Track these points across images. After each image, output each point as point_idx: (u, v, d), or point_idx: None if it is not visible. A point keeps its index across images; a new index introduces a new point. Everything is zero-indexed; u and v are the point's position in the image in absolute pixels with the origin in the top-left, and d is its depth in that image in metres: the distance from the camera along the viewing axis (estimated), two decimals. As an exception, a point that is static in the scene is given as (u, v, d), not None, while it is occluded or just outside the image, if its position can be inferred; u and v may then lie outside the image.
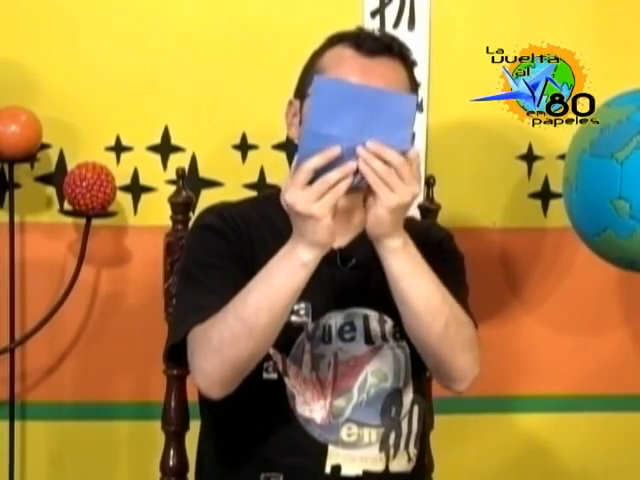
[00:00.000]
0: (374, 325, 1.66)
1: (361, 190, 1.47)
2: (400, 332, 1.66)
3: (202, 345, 1.54)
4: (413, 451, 1.70)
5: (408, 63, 1.65)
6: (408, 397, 1.69)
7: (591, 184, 1.85)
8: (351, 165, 1.42)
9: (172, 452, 1.90)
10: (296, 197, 1.42)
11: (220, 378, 1.54)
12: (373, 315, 1.67)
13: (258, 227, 1.67)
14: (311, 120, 1.42)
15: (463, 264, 1.77)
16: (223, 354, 1.51)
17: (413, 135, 1.58)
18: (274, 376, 1.63)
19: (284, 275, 1.48)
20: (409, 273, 1.52)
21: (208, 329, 1.53)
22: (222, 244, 1.63)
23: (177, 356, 1.61)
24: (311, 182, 1.42)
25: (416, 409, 1.70)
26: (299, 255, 1.46)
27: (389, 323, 1.67)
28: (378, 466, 1.65)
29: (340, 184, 1.42)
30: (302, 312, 1.63)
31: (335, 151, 1.40)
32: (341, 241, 1.66)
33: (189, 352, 1.57)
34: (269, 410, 1.63)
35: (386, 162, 1.43)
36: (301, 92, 1.66)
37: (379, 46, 1.61)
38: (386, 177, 1.43)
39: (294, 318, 1.63)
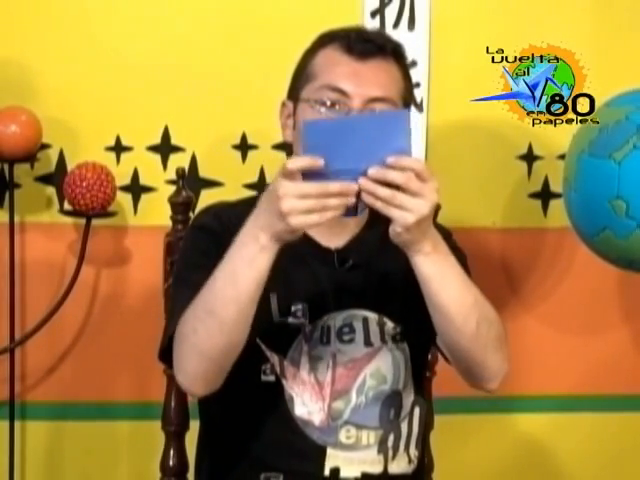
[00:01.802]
0: (373, 327, 1.65)
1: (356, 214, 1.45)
2: (401, 334, 1.65)
3: (179, 343, 1.52)
4: (414, 452, 1.69)
5: (402, 62, 1.63)
6: (408, 399, 1.67)
7: (590, 184, 1.85)
8: (351, 199, 1.38)
9: (172, 452, 1.90)
10: (289, 201, 1.37)
11: (201, 375, 1.52)
12: (372, 317, 1.65)
13: None
14: None
15: (467, 263, 1.73)
16: (200, 349, 1.49)
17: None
18: (272, 378, 1.62)
19: (246, 263, 1.43)
20: (439, 276, 1.48)
21: (183, 325, 1.51)
22: (214, 244, 1.59)
23: (169, 359, 1.58)
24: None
25: (417, 411, 1.69)
26: (260, 240, 1.42)
27: (389, 325, 1.65)
28: (376, 468, 1.64)
29: (328, 212, 1.37)
30: (299, 313, 1.62)
31: (320, 162, 1.37)
32: (338, 242, 1.66)
33: (173, 352, 1.55)
34: (267, 413, 1.62)
35: (391, 185, 1.39)
36: (294, 93, 1.64)
37: (371, 48, 1.59)
38: (391, 199, 1.39)
39: (291, 319, 1.62)
